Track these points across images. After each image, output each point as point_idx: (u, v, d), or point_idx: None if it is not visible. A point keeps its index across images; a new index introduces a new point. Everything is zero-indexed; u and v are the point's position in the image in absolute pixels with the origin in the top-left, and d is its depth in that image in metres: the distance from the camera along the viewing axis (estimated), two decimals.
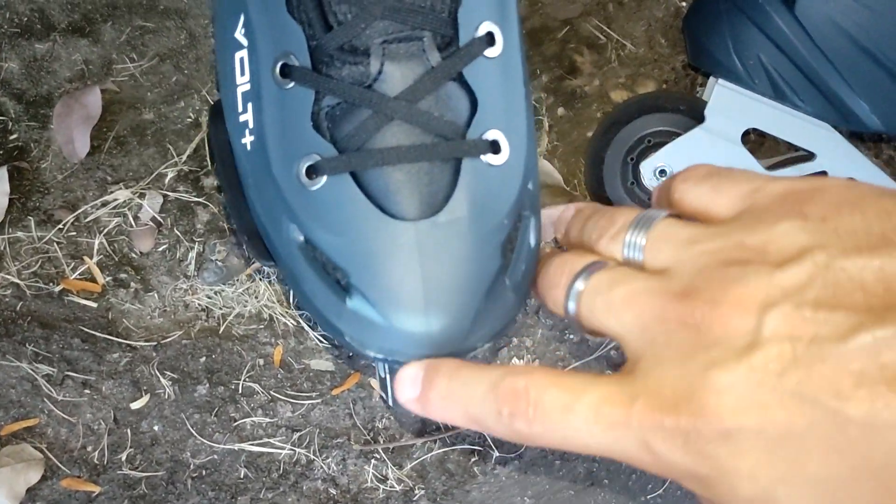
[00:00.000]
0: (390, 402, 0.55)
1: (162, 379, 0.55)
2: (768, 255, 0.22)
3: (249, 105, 0.37)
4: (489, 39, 0.36)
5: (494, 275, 0.35)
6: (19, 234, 0.56)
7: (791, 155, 0.60)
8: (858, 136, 0.62)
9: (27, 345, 0.55)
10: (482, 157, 0.35)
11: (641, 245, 0.26)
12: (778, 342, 0.21)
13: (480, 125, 0.35)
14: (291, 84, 0.35)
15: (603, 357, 0.60)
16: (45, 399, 0.54)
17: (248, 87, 0.37)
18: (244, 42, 0.37)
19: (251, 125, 0.37)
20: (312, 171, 0.35)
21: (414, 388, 0.29)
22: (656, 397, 0.22)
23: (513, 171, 0.36)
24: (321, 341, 0.58)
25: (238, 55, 0.37)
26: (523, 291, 0.36)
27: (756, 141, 0.63)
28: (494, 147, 0.35)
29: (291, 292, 0.58)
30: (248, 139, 0.37)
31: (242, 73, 0.37)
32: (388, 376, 0.39)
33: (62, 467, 0.54)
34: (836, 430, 0.20)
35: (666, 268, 0.25)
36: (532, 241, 0.37)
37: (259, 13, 0.36)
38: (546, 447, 0.26)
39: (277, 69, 0.36)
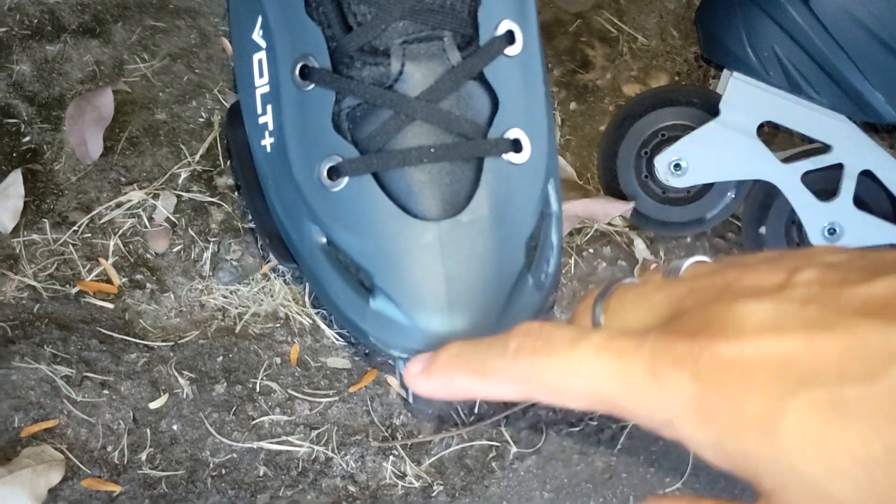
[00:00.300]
0: (410, 400, 0.55)
1: (180, 378, 0.56)
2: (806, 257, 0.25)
3: (269, 107, 0.37)
4: (509, 38, 0.36)
5: (518, 273, 0.35)
6: (34, 236, 0.56)
7: (806, 147, 0.60)
8: (873, 128, 0.62)
9: (45, 346, 0.55)
10: (504, 155, 0.35)
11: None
12: (807, 285, 0.22)
13: (502, 124, 0.35)
14: (311, 86, 0.35)
15: None
16: (65, 400, 0.54)
17: (267, 88, 0.37)
18: (262, 44, 0.37)
19: (271, 127, 0.37)
20: (334, 173, 0.35)
21: (422, 364, 0.28)
22: (672, 329, 0.23)
23: (535, 169, 0.36)
24: (338, 339, 0.58)
25: (256, 57, 0.37)
26: (547, 289, 0.36)
27: (769, 133, 0.63)
28: (516, 146, 0.35)
29: (308, 290, 0.58)
30: (267, 141, 0.37)
31: (261, 75, 0.37)
32: None
33: (83, 468, 0.54)
34: (855, 353, 0.20)
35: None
36: (555, 239, 0.37)
37: (277, 14, 0.36)
38: (543, 398, 0.25)
39: (297, 71, 0.35)
